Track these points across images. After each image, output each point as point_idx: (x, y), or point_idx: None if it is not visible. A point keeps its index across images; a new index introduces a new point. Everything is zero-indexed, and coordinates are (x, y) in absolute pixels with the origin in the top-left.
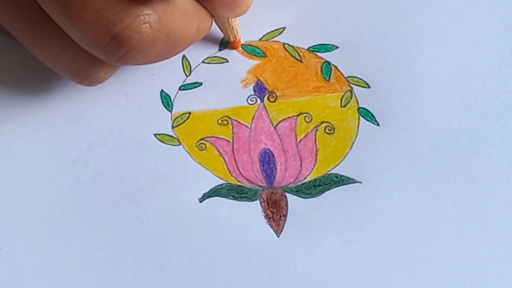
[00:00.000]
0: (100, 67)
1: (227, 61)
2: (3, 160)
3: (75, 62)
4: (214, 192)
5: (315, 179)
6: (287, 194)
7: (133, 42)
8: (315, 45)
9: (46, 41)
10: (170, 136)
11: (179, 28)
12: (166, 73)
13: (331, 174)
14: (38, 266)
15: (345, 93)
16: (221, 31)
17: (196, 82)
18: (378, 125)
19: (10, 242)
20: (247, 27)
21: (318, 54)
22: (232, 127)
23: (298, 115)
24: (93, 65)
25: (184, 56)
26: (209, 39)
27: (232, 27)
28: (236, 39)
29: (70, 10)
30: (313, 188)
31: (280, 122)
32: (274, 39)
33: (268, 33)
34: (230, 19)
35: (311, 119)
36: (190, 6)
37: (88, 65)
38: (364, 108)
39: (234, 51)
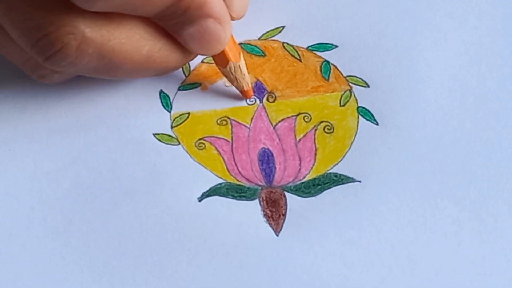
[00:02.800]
0: (43, 65)
1: None
2: (3, 160)
3: (23, 56)
4: (213, 191)
5: (314, 178)
6: (286, 193)
7: (55, 48)
8: (314, 44)
9: (0, 32)
10: (169, 136)
11: (118, 48)
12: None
13: (330, 173)
14: (37, 266)
15: (344, 92)
16: (231, 83)
17: (195, 83)
18: (377, 124)
19: (9, 242)
20: (246, 26)
21: (317, 53)
22: (231, 127)
23: (297, 115)
24: (37, 62)
25: None
26: None
27: (236, 78)
28: (243, 89)
29: (2, 10)
30: (312, 187)
31: (279, 122)
32: (273, 38)
33: (267, 32)
34: (231, 71)
35: (310, 118)
36: (143, 32)
37: (34, 61)
38: (363, 108)
39: None
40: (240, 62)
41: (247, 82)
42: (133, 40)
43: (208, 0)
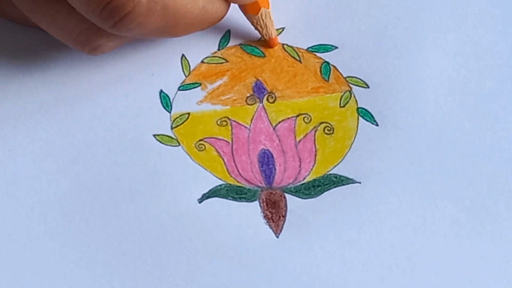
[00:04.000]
0: (101, 34)
1: (227, 61)
2: (3, 160)
3: (77, 28)
4: (213, 193)
5: (314, 180)
6: (286, 195)
7: (126, 10)
8: (314, 45)
9: (49, 7)
10: (169, 136)
11: (180, 2)
12: (165, 73)
13: (330, 174)
14: (37, 266)
15: (344, 93)
16: (255, 29)
17: (195, 83)
18: (377, 125)
19: (9, 242)
20: (247, 27)
21: (317, 54)
22: (231, 128)
23: (297, 115)
24: (94, 32)
25: (183, 55)
26: (208, 38)
27: (266, 25)
28: (271, 37)
29: None
30: (312, 189)
31: (279, 123)
32: None
33: None
34: (262, 17)
35: (310, 119)
36: None
37: (89, 32)
38: (363, 108)
39: (233, 50)
40: (270, 9)
41: (275, 29)
42: None
43: None
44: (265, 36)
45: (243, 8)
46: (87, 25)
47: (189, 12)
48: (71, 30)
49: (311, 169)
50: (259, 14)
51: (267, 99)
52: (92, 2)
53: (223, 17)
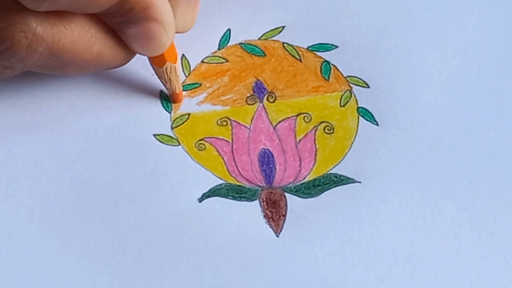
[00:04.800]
0: None
1: (227, 61)
2: (3, 160)
3: None
4: (213, 192)
5: (315, 179)
6: (286, 194)
7: (5, 45)
8: (315, 45)
9: None
10: (170, 136)
11: (69, 47)
12: None
13: (330, 174)
14: (37, 266)
15: (344, 92)
16: (164, 84)
17: (196, 83)
18: (377, 125)
19: (9, 242)
20: (247, 26)
21: (318, 53)
22: (232, 127)
23: (297, 115)
24: None
25: (183, 55)
26: (208, 37)
27: (170, 79)
28: (174, 91)
29: None
30: (313, 188)
31: (279, 122)
32: (274, 38)
33: (267, 32)
34: (167, 71)
35: (310, 119)
36: (94, 31)
37: None
38: (363, 108)
39: (233, 49)
40: (176, 64)
41: (180, 85)
42: (84, 39)
43: (153, 3)
44: (168, 90)
45: (149, 59)
46: None
47: (79, 56)
48: None
49: (311, 169)
50: (163, 68)
51: (267, 99)
52: None
53: (126, 62)
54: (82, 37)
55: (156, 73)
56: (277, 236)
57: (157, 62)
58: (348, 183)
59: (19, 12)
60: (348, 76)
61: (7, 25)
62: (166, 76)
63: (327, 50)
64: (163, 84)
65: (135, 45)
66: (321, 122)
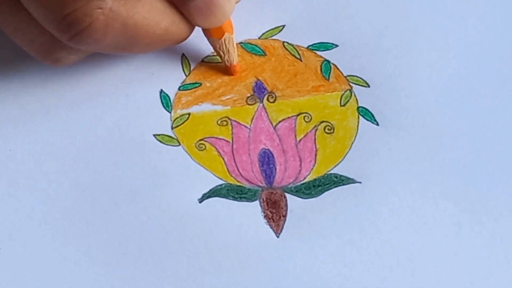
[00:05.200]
0: (62, 47)
1: None
2: (3, 161)
3: (38, 38)
4: (213, 193)
5: (315, 179)
6: (287, 195)
7: (83, 25)
8: (315, 44)
9: (13, 15)
10: (170, 136)
11: (140, 22)
12: (166, 73)
13: (330, 174)
14: (37, 266)
15: (345, 92)
16: (217, 54)
17: (196, 82)
18: (377, 124)
19: (9, 242)
20: (247, 25)
21: (318, 52)
22: (232, 127)
23: (298, 115)
24: (55, 44)
25: (183, 55)
26: None
27: (229, 51)
28: (232, 63)
29: None
30: (313, 188)
31: (279, 122)
32: (274, 37)
33: (267, 31)
34: (225, 42)
35: (311, 118)
36: (161, 5)
37: (50, 43)
38: (363, 108)
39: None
40: (233, 35)
41: (237, 56)
42: (154, 14)
43: None
44: (226, 62)
45: (206, 31)
46: (48, 37)
47: (150, 32)
48: (33, 40)
49: (312, 169)
50: (222, 39)
51: (268, 99)
52: (51, 14)
53: (186, 38)
54: (152, 12)
55: (214, 46)
56: (278, 237)
57: (216, 34)
58: (348, 183)
59: None
60: (349, 76)
61: (84, 3)
62: (224, 47)
63: (327, 49)
64: (220, 57)
65: (198, 17)
66: (321, 122)
